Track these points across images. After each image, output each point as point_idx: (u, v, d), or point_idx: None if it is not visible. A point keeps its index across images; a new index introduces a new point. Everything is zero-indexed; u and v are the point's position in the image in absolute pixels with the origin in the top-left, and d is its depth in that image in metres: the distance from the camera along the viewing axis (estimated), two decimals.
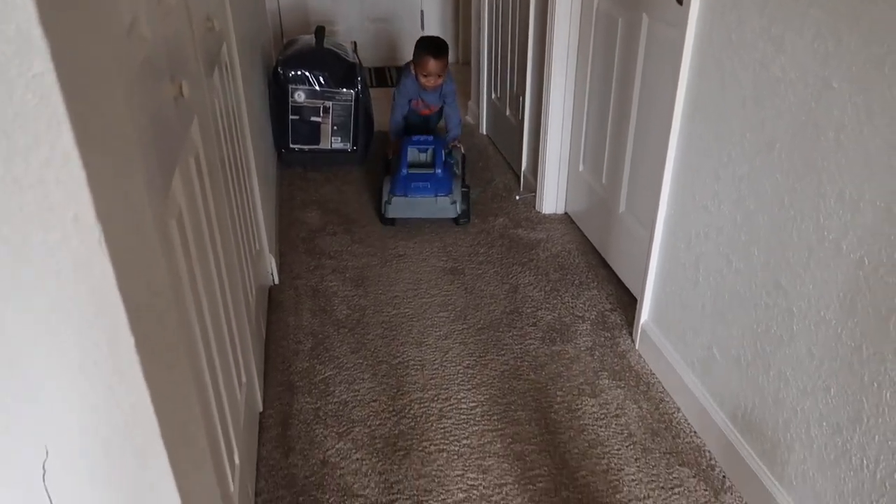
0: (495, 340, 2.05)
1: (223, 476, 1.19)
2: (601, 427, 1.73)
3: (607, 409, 1.78)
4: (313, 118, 3.13)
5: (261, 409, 1.77)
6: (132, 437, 0.72)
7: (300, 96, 3.08)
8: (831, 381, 1.25)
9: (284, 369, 1.93)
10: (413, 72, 2.84)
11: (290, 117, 3.11)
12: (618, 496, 1.54)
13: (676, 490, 1.55)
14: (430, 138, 2.73)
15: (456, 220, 2.72)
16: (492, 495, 1.54)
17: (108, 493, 0.76)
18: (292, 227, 2.73)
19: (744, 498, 1.52)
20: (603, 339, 2.05)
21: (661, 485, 1.56)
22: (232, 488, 1.26)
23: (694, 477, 1.58)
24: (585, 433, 1.71)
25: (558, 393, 1.84)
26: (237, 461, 1.34)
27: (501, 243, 2.61)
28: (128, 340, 0.66)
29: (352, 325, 2.12)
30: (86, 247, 0.60)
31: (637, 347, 2.00)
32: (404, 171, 2.65)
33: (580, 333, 2.07)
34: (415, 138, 2.73)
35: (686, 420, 1.74)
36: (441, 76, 2.81)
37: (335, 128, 3.17)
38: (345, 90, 3.11)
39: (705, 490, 1.55)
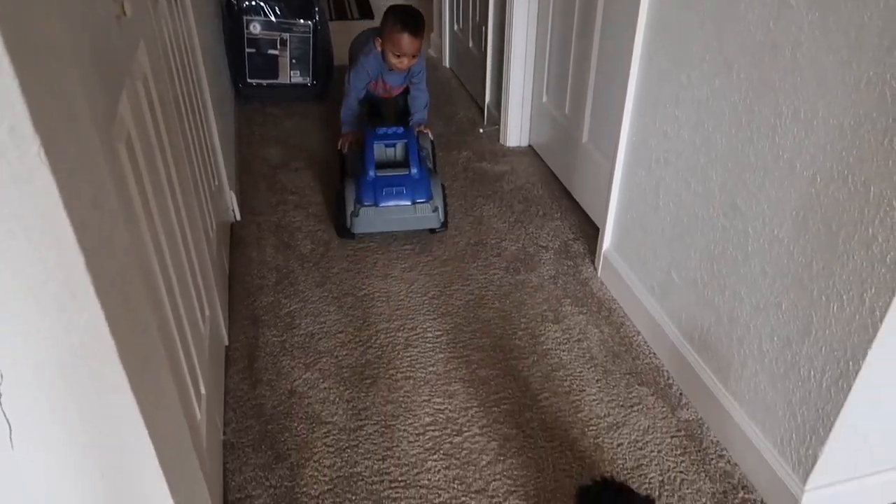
0: (460, 271, 2.07)
1: (189, 404, 1.20)
2: (563, 351, 1.77)
3: (570, 335, 1.82)
4: (270, 51, 3.04)
5: (227, 343, 1.77)
6: (88, 359, 0.72)
7: (256, 28, 2.97)
8: (783, 297, 1.29)
9: (249, 304, 1.92)
10: (379, 49, 2.29)
11: (247, 50, 3.02)
12: (579, 415, 1.59)
13: (636, 408, 1.61)
14: (401, 130, 2.21)
15: (433, 231, 2.23)
16: (458, 418, 1.58)
17: (70, 418, 0.75)
18: (253, 163, 2.68)
19: (699, 413, 1.59)
20: (566, 267, 2.08)
21: (621, 403, 1.62)
22: (199, 416, 1.26)
23: (652, 395, 1.64)
24: (548, 357, 1.75)
25: (522, 320, 1.87)
26: (203, 391, 1.34)
27: (465, 176, 2.60)
28: (77, 258, 0.64)
29: (316, 260, 2.11)
30: (25, 159, 0.58)
31: (599, 275, 2.04)
32: (371, 173, 2.12)
33: (543, 263, 2.10)
34: (380, 131, 2.19)
35: (645, 342, 1.79)
36: (416, 56, 2.30)
37: (293, 61, 3.08)
38: (302, 21, 3.01)
39: (663, 407, 1.61)
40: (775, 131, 1.25)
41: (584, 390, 1.65)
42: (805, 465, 1.29)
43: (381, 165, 2.16)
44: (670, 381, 1.68)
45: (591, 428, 1.56)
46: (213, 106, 2.09)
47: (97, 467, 0.79)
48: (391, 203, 2.10)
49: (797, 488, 1.31)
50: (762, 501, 1.39)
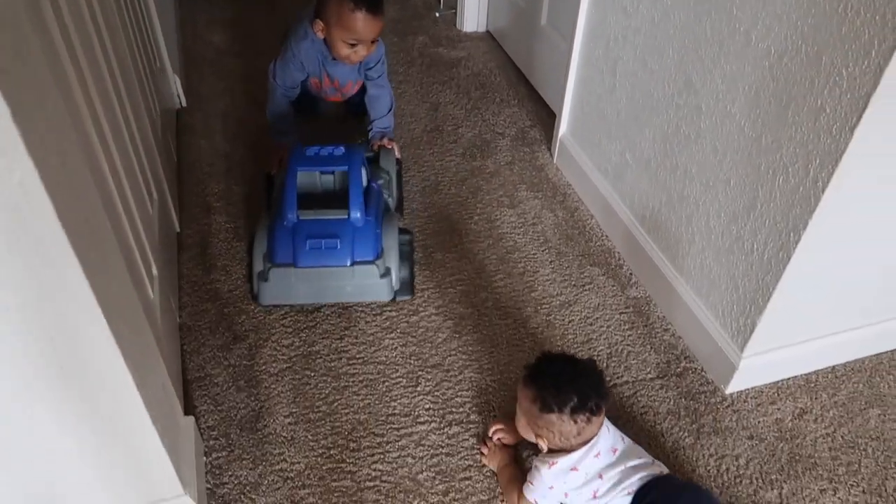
0: (416, 157, 2.04)
1: (141, 283, 1.18)
2: (518, 235, 1.79)
3: (525, 219, 1.84)
4: None
5: (178, 230, 1.74)
6: (27, 222, 0.69)
7: None
8: (732, 173, 1.31)
9: (200, 191, 1.88)
10: (318, 34, 1.66)
11: None
12: (532, 295, 1.63)
13: (587, 287, 1.65)
14: (341, 150, 1.52)
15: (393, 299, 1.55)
16: (414, 299, 1.60)
17: (14, 282, 0.73)
18: (196, 47, 2.54)
19: (647, 290, 1.64)
20: (522, 153, 2.07)
21: (573, 283, 1.66)
22: (152, 296, 1.26)
23: (603, 275, 1.69)
24: (504, 241, 1.77)
25: (478, 205, 1.88)
26: (155, 272, 1.33)
27: (421, 62, 2.52)
28: (2, 109, 0.61)
29: (267, 147, 2.05)
30: None
31: (555, 160, 2.04)
32: (291, 215, 1.45)
33: (500, 149, 2.09)
34: (311, 150, 1.52)
35: (598, 225, 1.82)
36: (375, 42, 1.70)
37: None
38: None
39: (613, 286, 1.66)
40: (733, 2, 1.22)
41: (538, 271, 1.69)
42: (744, 333, 1.35)
43: (310, 203, 1.47)
44: (621, 262, 1.72)
45: (543, 306, 1.60)
46: None
47: (45, 334, 0.78)
48: (317, 264, 1.44)
49: (735, 356, 1.38)
50: (702, 369, 1.47)
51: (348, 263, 1.45)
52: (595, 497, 1.12)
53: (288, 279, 1.45)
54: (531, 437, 1.18)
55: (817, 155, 1.10)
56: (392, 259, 1.50)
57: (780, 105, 1.16)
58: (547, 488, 1.14)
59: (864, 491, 1.26)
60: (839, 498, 1.25)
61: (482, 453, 1.30)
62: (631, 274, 1.69)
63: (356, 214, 1.46)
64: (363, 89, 1.88)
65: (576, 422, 1.10)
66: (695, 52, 1.35)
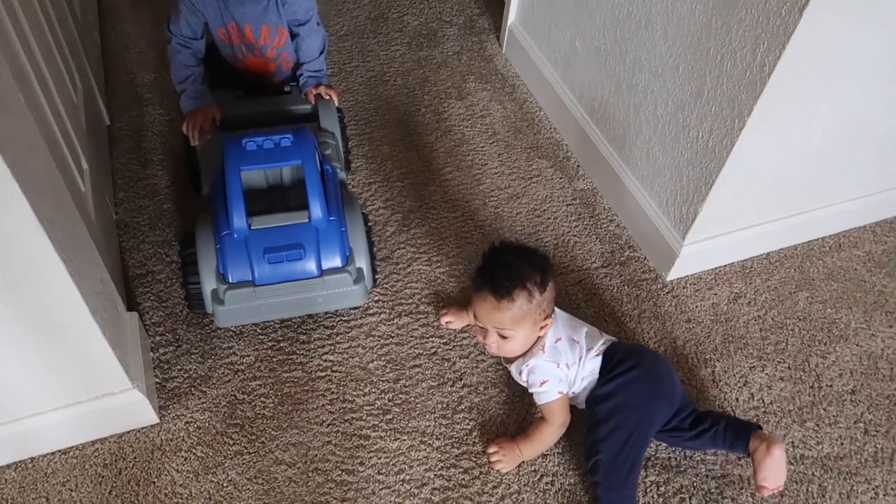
0: (360, 47, 1.95)
1: (70, 175, 1.12)
2: (467, 127, 1.76)
3: (473, 111, 1.80)
4: None
5: (108, 123, 1.64)
6: None
7: None
8: (681, 59, 1.29)
9: (129, 81, 1.77)
10: None
11: None
12: (481, 188, 1.62)
13: (535, 179, 1.65)
14: (288, 138, 1.22)
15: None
16: (361, 193, 1.57)
17: None
18: None
19: (594, 182, 1.65)
20: (470, 43, 2.00)
21: (521, 175, 1.66)
22: (83, 188, 1.20)
23: (551, 167, 1.69)
24: (452, 133, 1.74)
25: (425, 97, 1.83)
26: (85, 165, 1.26)
27: None
28: None
29: None
30: None
31: (504, 51, 1.98)
32: (240, 224, 1.19)
33: (447, 38, 2.01)
34: (249, 143, 1.20)
35: (547, 118, 1.80)
36: None
37: None
38: None
39: (561, 178, 1.66)
40: None
41: (486, 164, 1.67)
42: (686, 221, 1.38)
43: (259, 204, 1.23)
44: (569, 154, 1.72)
45: (491, 199, 1.60)
46: None
47: None
48: (280, 279, 1.21)
49: (677, 244, 1.42)
50: (645, 258, 1.51)
51: (317, 274, 1.22)
52: (580, 361, 1.16)
53: (248, 299, 1.21)
54: (511, 347, 1.16)
55: (765, 38, 1.09)
56: (362, 258, 1.27)
57: None
58: (555, 369, 1.14)
59: (789, 367, 1.34)
60: (766, 374, 1.33)
61: (491, 461, 1.17)
62: (578, 166, 1.69)
63: (318, 216, 1.21)
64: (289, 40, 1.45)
65: (543, 290, 1.11)
66: None
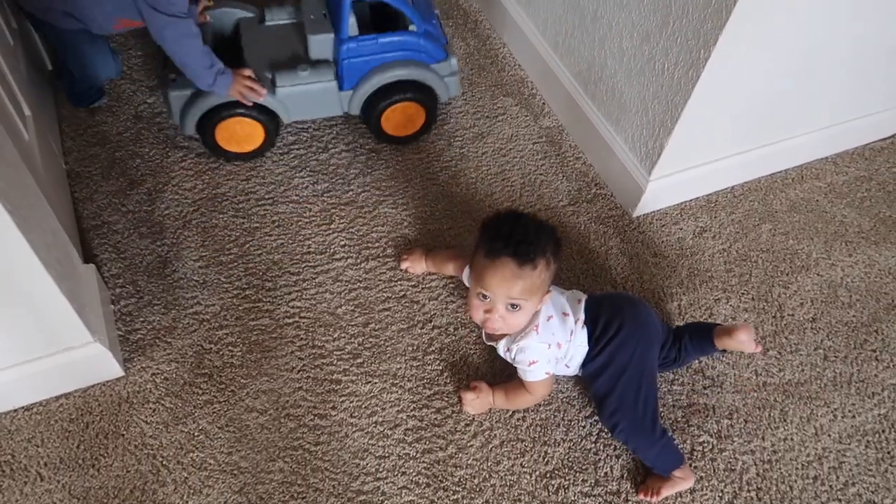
0: None
1: (11, 123, 1.06)
2: None
3: None
4: None
5: (50, 68, 1.56)
6: None
7: None
8: None
9: None
10: None
11: None
12: (445, 127, 1.59)
13: (500, 118, 1.62)
14: None
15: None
16: (322, 136, 1.53)
17: None
18: None
19: (560, 120, 1.63)
20: None
21: (486, 114, 1.63)
22: (27, 137, 1.14)
23: (516, 105, 1.66)
24: None
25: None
26: (28, 112, 1.20)
27: None
28: None
29: None
30: None
31: None
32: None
33: None
34: None
35: (511, 54, 1.76)
36: None
37: None
38: None
39: (526, 116, 1.64)
40: None
41: (450, 103, 1.63)
42: (651, 157, 1.38)
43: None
44: (534, 91, 1.69)
45: (456, 139, 1.57)
46: None
47: None
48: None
49: (643, 179, 1.41)
50: (612, 195, 1.51)
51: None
52: (571, 335, 1.13)
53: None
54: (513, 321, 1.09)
55: None
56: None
57: None
58: (546, 350, 1.10)
59: (753, 298, 1.37)
60: (731, 305, 1.35)
61: (464, 401, 1.18)
62: (544, 103, 1.67)
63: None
64: None
65: (549, 264, 1.07)
66: None
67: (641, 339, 1.14)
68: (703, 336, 1.20)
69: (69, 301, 0.98)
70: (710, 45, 1.15)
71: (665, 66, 1.27)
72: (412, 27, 1.40)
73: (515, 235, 1.05)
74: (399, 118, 1.47)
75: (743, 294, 1.37)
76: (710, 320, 1.32)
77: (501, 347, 1.15)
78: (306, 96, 1.39)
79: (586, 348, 1.14)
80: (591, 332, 1.14)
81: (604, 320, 1.14)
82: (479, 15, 1.85)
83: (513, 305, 1.06)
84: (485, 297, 1.07)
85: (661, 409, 1.19)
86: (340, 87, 1.41)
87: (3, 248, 0.84)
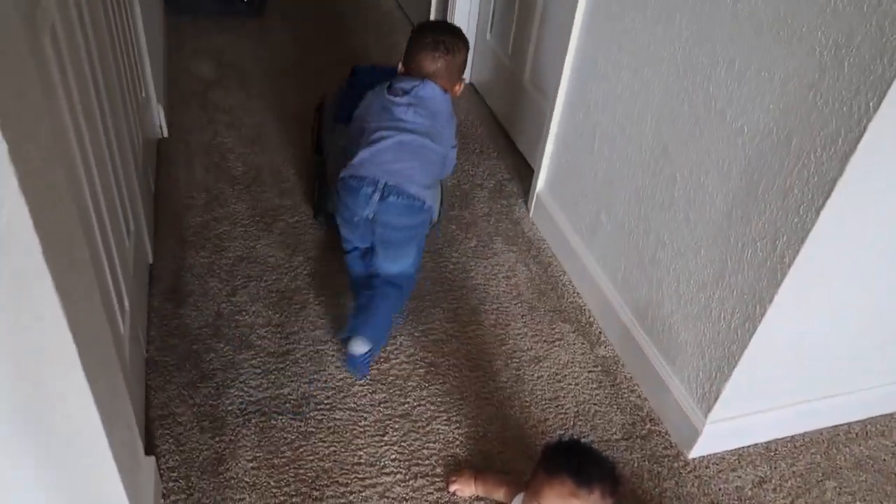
0: None
1: (113, 316, 1.17)
2: (492, 286, 1.81)
3: (499, 270, 1.86)
4: None
5: (151, 262, 1.72)
6: (9, 248, 0.69)
7: None
8: (702, 242, 1.35)
9: (176, 224, 1.87)
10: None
11: None
12: (503, 348, 1.64)
13: (557, 343, 1.67)
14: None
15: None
16: (386, 346, 1.60)
17: None
18: (182, 78, 2.55)
19: (616, 350, 1.67)
20: (499, 206, 2.11)
21: (544, 338, 1.68)
22: (122, 329, 1.24)
23: (574, 332, 1.71)
24: (477, 292, 1.79)
25: (453, 255, 1.90)
26: (127, 305, 1.31)
27: None
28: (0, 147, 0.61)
29: (248, 183, 2.06)
30: None
31: (531, 215, 2.08)
32: None
33: (478, 200, 2.12)
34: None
35: (571, 282, 1.85)
36: None
37: None
38: None
39: (583, 343, 1.68)
40: (710, 80, 1.28)
41: (510, 324, 1.70)
42: (708, 400, 1.38)
43: None
44: (591, 320, 1.75)
45: (513, 360, 1.61)
46: (140, 8, 1.96)
47: (16, 371, 0.76)
48: None
49: (699, 421, 1.40)
50: (667, 433, 1.49)
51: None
52: None
53: None
54: None
55: (785, 232, 1.14)
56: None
57: (750, 182, 1.21)
58: None
59: None
60: None
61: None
62: (601, 332, 1.72)
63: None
64: None
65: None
66: (672, 123, 1.40)
67: None
68: None
69: (127, 497, 1.00)
70: (765, 302, 1.20)
71: (721, 314, 1.32)
72: None
73: (578, 457, 1.08)
74: None
75: None
76: None
77: None
78: None
79: None
80: None
81: None
82: (542, 243, 1.97)
83: None
84: None
85: None
86: None
87: (84, 445, 0.88)
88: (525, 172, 2.25)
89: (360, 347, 1.46)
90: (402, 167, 1.49)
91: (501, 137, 2.44)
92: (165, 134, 2.20)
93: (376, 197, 1.47)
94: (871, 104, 0.98)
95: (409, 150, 1.50)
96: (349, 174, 1.50)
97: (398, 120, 1.51)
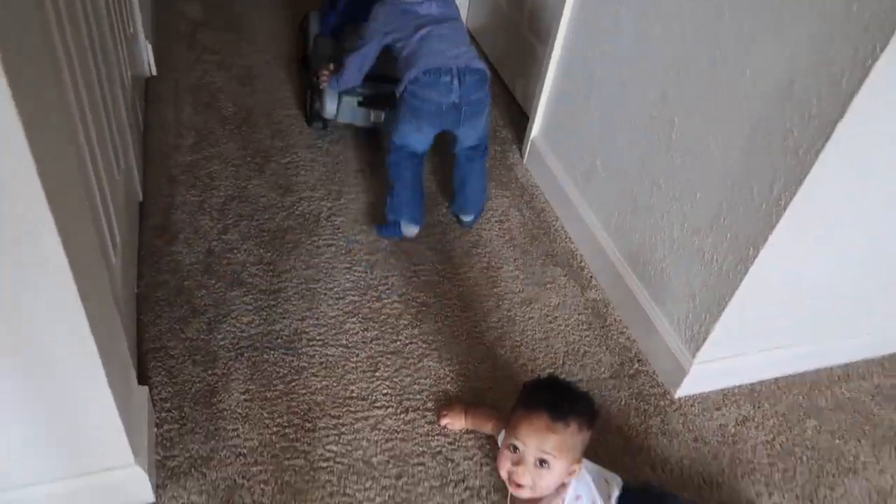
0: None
1: (105, 246, 1.16)
2: (485, 230, 1.81)
3: (492, 215, 1.86)
4: None
5: (141, 199, 1.70)
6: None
7: None
8: (699, 186, 1.35)
9: (165, 163, 1.84)
10: None
11: None
12: (495, 290, 1.65)
13: (548, 286, 1.69)
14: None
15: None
16: (378, 285, 1.61)
17: None
18: (171, 19, 2.48)
19: (606, 293, 1.68)
20: (493, 152, 2.09)
21: (536, 281, 1.69)
22: (114, 262, 1.23)
23: (565, 275, 1.72)
24: (469, 235, 1.79)
25: (446, 199, 1.89)
26: (119, 239, 1.30)
27: None
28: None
29: (238, 123, 2.03)
30: None
31: (525, 161, 2.07)
32: None
33: None
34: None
35: (563, 228, 1.86)
36: None
37: None
38: None
39: (574, 286, 1.70)
40: (712, 26, 1.26)
41: (502, 267, 1.71)
42: (696, 341, 1.40)
43: None
44: (583, 264, 1.76)
45: (504, 302, 1.63)
46: None
47: (12, 299, 0.76)
48: None
49: (687, 361, 1.43)
50: (654, 373, 1.52)
51: None
52: None
53: None
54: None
55: (782, 174, 1.14)
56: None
57: (750, 123, 1.21)
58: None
59: (797, 496, 1.32)
60: (774, 501, 1.31)
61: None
62: (592, 276, 1.73)
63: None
64: None
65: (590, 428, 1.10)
66: (672, 66, 1.39)
67: None
68: None
69: (122, 423, 1.01)
70: (758, 245, 1.21)
71: (714, 257, 1.33)
72: None
73: (554, 393, 1.10)
74: None
75: (787, 491, 1.33)
76: None
77: None
78: None
79: None
80: None
81: None
82: (536, 189, 1.97)
83: (542, 462, 1.06)
84: (515, 448, 1.07)
85: None
86: None
87: (80, 373, 0.89)
88: (519, 119, 2.23)
89: (467, 217, 1.80)
90: (459, 51, 1.62)
91: (496, 83, 2.41)
92: (154, 72, 2.15)
93: (455, 83, 1.57)
94: (877, 45, 0.97)
95: (454, 35, 1.66)
96: (420, 71, 1.57)
97: (427, 16, 1.66)
